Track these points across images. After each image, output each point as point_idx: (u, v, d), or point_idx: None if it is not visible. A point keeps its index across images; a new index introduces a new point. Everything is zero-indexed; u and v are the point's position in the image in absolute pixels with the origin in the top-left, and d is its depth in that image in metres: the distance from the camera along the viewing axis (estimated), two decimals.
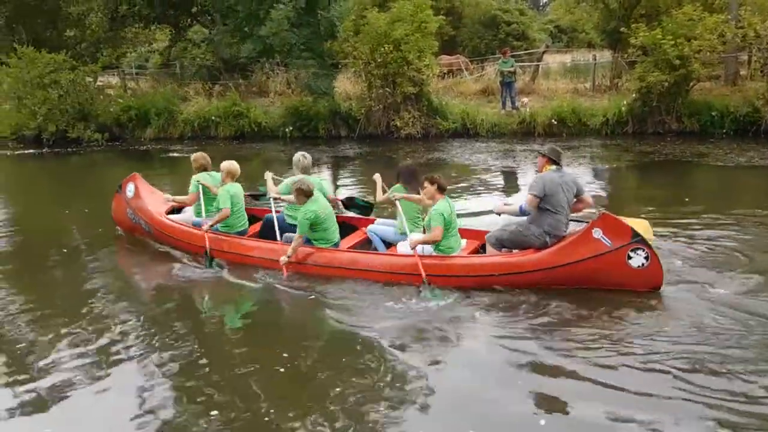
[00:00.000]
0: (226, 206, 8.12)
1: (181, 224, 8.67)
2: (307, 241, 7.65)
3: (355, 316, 6.50)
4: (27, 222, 11.43)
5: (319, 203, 7.63)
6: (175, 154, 19.34)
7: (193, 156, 9.01)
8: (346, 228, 8.56)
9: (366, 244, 8.22)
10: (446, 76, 24.91)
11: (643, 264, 6.65)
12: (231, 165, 8.39)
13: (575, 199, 7.18)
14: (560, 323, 6.25)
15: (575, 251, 6.81)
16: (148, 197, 9.36)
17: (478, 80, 24.99)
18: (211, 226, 8.14)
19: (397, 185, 8.02)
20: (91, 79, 23.22)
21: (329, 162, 16.90)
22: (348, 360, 5.67)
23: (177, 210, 9.29)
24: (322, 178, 9.23)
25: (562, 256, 6.87)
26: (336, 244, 7.79)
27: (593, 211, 8.17)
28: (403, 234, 7.65)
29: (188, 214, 8.99)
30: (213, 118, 22.10)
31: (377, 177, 8.27)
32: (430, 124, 19.98)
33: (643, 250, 6.63)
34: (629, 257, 6.65)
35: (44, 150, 21.20)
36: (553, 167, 7.08)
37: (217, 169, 8.68)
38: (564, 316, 6.40)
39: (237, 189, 8.38)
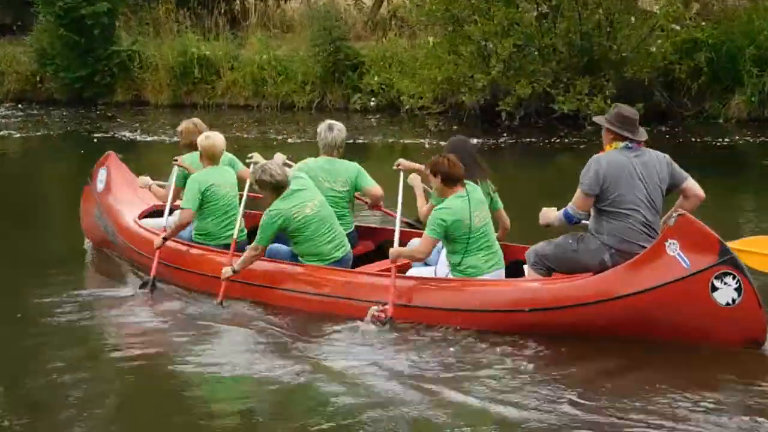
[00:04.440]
0: (188, 206, 6.87)
1: (149, 231, 7.40)
2: (294, 258, 6.63)
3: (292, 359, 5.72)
4: None
5: (295, 200, 6.29)
6: None
7: (180, 126, 7.72)
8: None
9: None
10: None
11: (733, 300, 5.19)
12: (208, 140, 6.85)
13: (671, 191, 5.76)
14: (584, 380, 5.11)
15: (637, 277, 5.36)
16: (122, 190, 7.93)
17: None
18: (166, 238, 6.91)
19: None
20: None
21: None
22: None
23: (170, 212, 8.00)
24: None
25: (615, 283, 5.44)
26: (340, 263, 6.50)
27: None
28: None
29: (175, 216, 7.54)
30: None
31: (414, 179, 6.62)
32: None
33: (734, 277, 5.11)
34: (713, 288, 5.20)
35: (501, 140, 13.27)
36: (622, 144, 5.73)
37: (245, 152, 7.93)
38: (590, 371, 5.22)
39: (219, 177, 6.91)
